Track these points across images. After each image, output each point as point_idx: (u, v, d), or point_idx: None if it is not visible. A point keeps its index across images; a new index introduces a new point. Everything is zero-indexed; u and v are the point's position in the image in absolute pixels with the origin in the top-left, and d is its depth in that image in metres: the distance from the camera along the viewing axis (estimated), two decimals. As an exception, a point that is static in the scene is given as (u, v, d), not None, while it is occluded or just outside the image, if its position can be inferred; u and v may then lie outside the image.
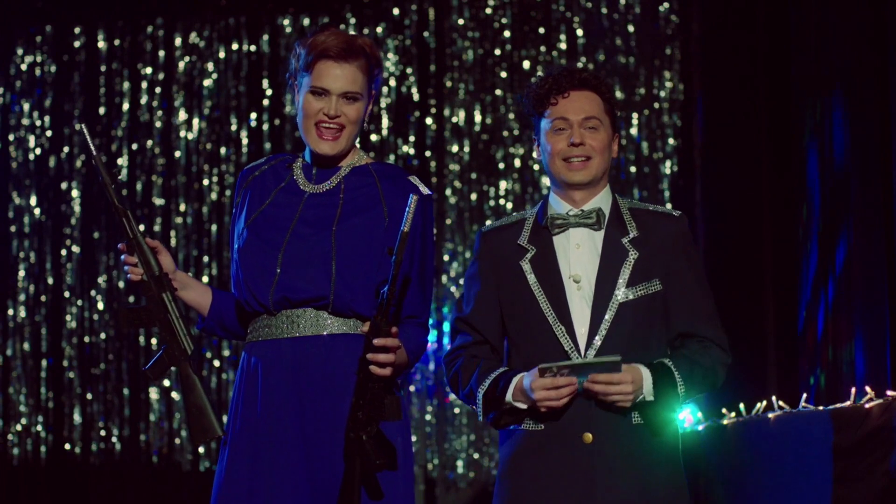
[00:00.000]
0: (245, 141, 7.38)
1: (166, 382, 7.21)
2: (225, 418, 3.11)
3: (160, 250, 3.03)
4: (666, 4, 7.08)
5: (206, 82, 7.39)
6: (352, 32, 3.20)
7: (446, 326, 7.19)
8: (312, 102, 3.03)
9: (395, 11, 7.31)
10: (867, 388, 4.24)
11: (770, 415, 4.46)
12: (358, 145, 3.13)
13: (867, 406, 4.05)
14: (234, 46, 7.40)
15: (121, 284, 7.32)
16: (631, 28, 7.12)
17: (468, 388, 3.04)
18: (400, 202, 3.01)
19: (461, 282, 7.27)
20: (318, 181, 3.08)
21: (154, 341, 7.27)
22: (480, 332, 3.10)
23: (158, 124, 7.41)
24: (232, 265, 3.13)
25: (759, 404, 4.71)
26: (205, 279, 7.24)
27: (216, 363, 7.23)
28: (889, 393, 4.08)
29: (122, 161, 7.40)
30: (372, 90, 3.10)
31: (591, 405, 2.93)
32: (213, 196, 7.33)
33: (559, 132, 3.06)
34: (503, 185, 7.24)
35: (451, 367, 3.10)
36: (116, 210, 2.97)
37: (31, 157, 7.45)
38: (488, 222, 7.28)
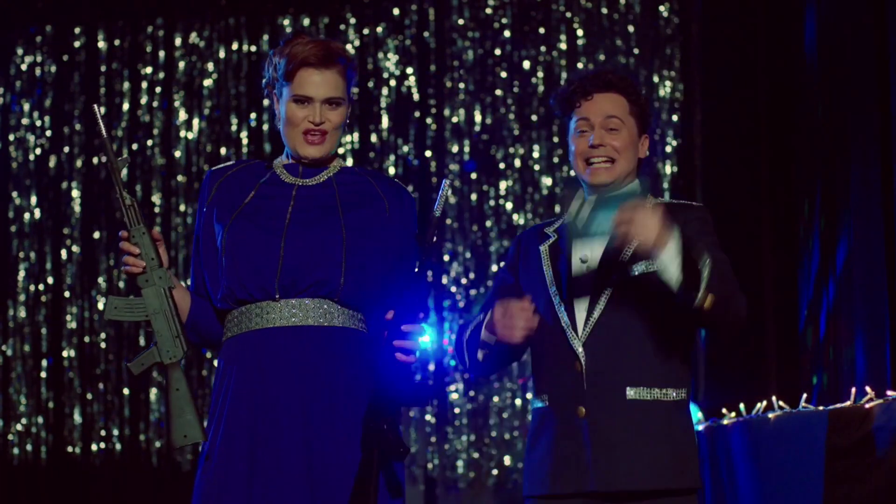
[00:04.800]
0: (245, 141, 7.38)
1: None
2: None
3: (162, 243, 2.97)
4: (666, 4, 7.08)
5: (206, 82, 7.39)
6: (323, 37, 3.19)
7: (447, 327, 7.19)
8: (296, 111, 3.01)
9: (395, 11, 7.31)
10: (867, 388, 4.23)
11: (770, 415, 4.45)
12: (340, 151, 3.13)
13: (867, 406, 4.05)
14: (234, 46, 7.40)
15: (121, 285, 7.32)
16: (631, 28, 7.12)
17: (458, 339, 3.10)
18: (397, 199, 3.05)
19: (462, 281, 7.27)
20: (306, 176, 3.08)
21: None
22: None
23: (158, 124, 7.41)
24: (201, 258, 3.07)
25: (759, 404, 4.71)
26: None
27: (216, 363, 7.22)
28: (889, 393, 4.08)
29: (122, 161, 7.40)
30: (350, 93, 3.10)
31: (584, 379, 2.96)
32: (213, 196, 7.34)
33: (581, 134, 3.15)
34: (503, 185, 7.24)
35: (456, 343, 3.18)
36: (122, 198, 2.89)
37: (31, 157, 7.45)
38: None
